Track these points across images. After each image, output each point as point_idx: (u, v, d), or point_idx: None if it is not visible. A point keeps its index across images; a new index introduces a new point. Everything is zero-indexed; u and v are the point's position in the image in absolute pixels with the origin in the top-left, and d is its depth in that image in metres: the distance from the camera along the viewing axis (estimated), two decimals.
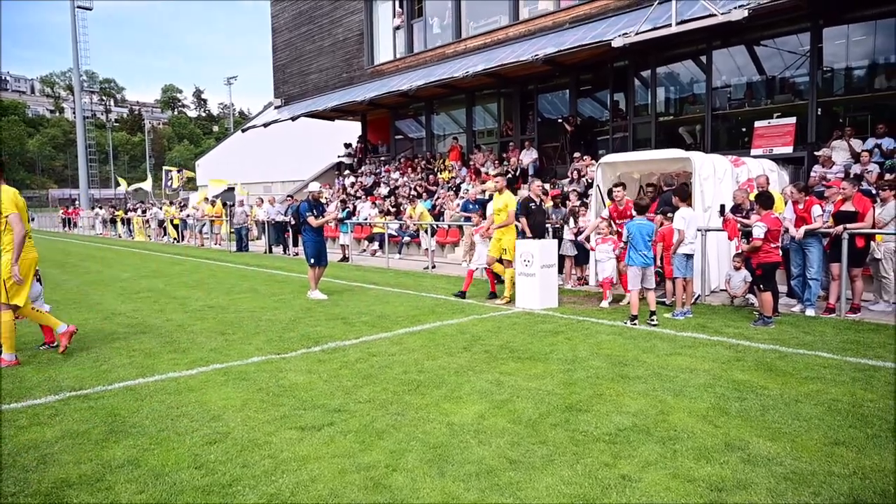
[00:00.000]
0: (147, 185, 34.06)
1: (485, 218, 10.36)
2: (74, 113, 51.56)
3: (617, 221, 8.89)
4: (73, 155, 64.58)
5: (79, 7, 45.87)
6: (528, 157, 16.57)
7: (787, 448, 3.67)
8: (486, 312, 8.26)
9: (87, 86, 75.09)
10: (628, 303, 8.44)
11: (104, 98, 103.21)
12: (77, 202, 48.51)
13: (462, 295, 9.39)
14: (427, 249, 14.33)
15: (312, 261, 9.85)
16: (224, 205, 23.44)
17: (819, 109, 12.36)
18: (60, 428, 4.21)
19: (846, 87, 12.53)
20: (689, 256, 7.69)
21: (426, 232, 14.58)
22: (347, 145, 25.22)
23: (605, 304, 8.62)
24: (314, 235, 9.93)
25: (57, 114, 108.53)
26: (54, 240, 30.99)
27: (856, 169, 10.38)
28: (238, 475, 3.46)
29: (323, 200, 11.17)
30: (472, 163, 18.22)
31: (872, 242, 7.92)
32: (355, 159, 24.71)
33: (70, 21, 44.64)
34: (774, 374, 5.14)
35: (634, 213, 7.55)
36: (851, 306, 7.62)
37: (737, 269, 8.31)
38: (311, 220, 9.77)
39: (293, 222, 9.94)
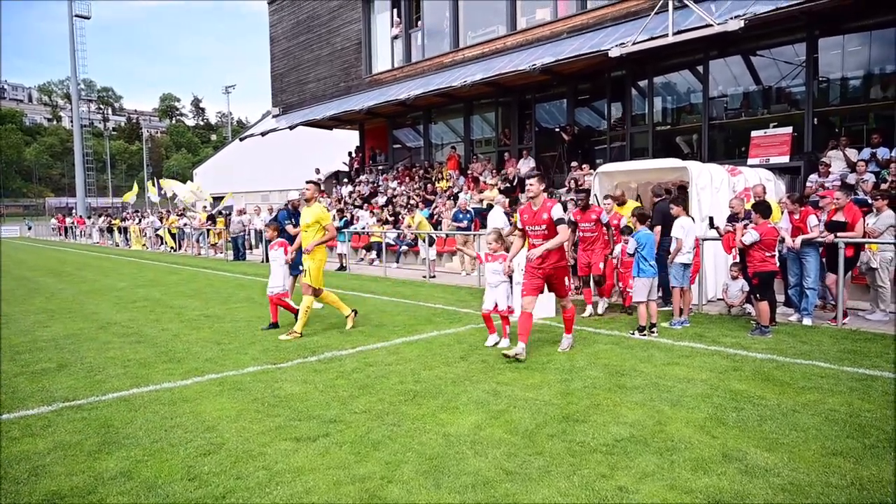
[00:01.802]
0: (132, 195, 33.82)
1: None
2: (72, 121, 51.59)
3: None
4: (70, 163, 64.59)
5: (76, 16, 46.03)
6: (526, 166, 16.59)
7: (785, 459, 3.65)
8: (482, 323, 8.22)
9: (85, 94, 75.35)
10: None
11: (102, 107, 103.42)
12: (74, 211, 48.47)
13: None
14: (425, 259, 14.32)
15: (291, 270, 9.47)
16: (220, 214, 23.46)
17: (815, 119, 12.42)
18: (53, 439, 4.18)
19: (842, 97, 12.60)
20: (687, 266, 7.69)
21: (424, 241, 14.57)
22: (350, 155, 25.26)
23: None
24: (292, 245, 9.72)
25: (54, 122, 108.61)
26: (50, 249, 30.91)
27: (852, 178, 10.42)
28: (232, 487, 3.42)
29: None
30: (469, 172, 18.25)
31: (865, 252, 7.95)
32: (353, 168, 24.73)
33: (68, 30, 44.77)
34: (772, 384, 5.12)
35: (639, 223, 7.52)
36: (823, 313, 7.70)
37: (734, 278, 8.31)
38: (290, 229, 9.49)
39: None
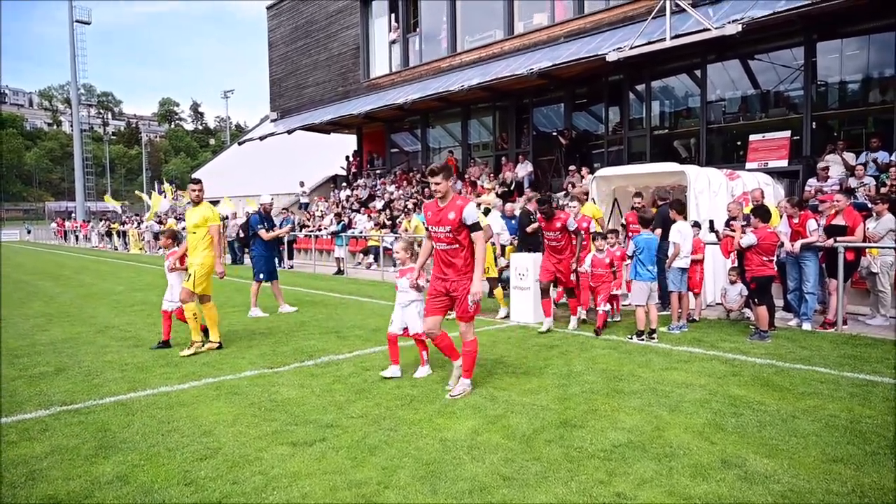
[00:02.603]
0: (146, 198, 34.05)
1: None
2: (72, 126, 51.62)
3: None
4: (70, 168, 64.55)
5: (77, 21, 46.08)
6: (524, 170, 16.61)
7: (785, 465, 3.63)
8: (481, 326, 8.21)
9: (85, 99, 75.35)
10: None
11: (102, 111, 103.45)
12: (73, 214, 48.45)
13: None
14: None
15: (262, 276, 9.47)
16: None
17: (814, 123, 12.44)
18: (50, 443, 4.15)
19: (840, 101, 12.63)
20: (684, 270, 7.68)
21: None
22: (348, 159, 25.28)
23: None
24: (265, 251, 9.61)
25: (55, 127, 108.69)
26: (49, 252, 30.87)
27: (852, 182, 10.42)
28: (228, 492, 3.40)
29: (274, 214, 10.62)
30: (467, 176, 18.25)
31: (866, 256, 7.94)
32: (351, 172, 24.75)
33: (68, 35, 44.83)
34: (771, 390, 5.10)
35: (640, 226, 7.52)
36: (825, 320, 7.71)
37: (732, 282, 8.30)
38: (263, 234, 9.49)
39: (242, 235, 9.54)
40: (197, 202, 7.10)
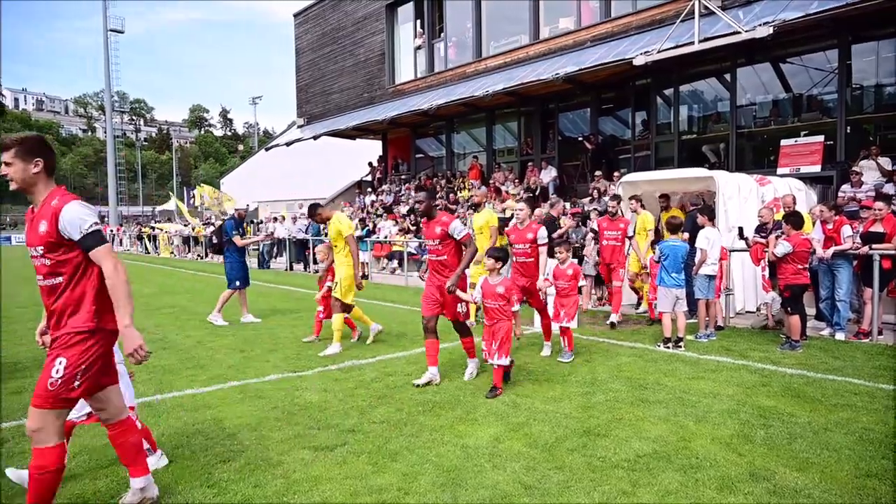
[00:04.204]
0: (171, 205, 34.80)
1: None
2: (105, 132, 53.02)
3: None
4: (103, 173, 66.20)
5: (111, 31, 47.38)
6: (548, 175, 16.51)
7: (816, 479, 3.52)
8: None
9: (118, 106, 77.35)
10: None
11: (134, 118, 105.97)
12: (106, 219, 49.65)
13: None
14: None
15: (238, 283, 9.39)
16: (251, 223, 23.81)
17: (848, 127, 12.10)
18: (79, 443, 4.23)
19: (876, 105, 12.27)
20: (712, 277, 7.53)
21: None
22: (371, 165, 25.46)
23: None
24: (238, 256, 9.53)
25: (89, 133, 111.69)
26: None
27: (889, 188, 10.10)
28: (249, 495, 3.43)
29: (247, 221, 10.41)
30: (492, 181, 18.22)
31: None
32: (376, 177, 24.91)
33: (102, 44, 46.10)
34: (802, 401, 4.96)
35: (668, 232, 7.37)
36: (859, 330, 7.48)
37: (766, 291, 8.09)
38: (237, 240, 9.44)
39: (215, 240, 9.43)
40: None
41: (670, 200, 9.49)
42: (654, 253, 8.01)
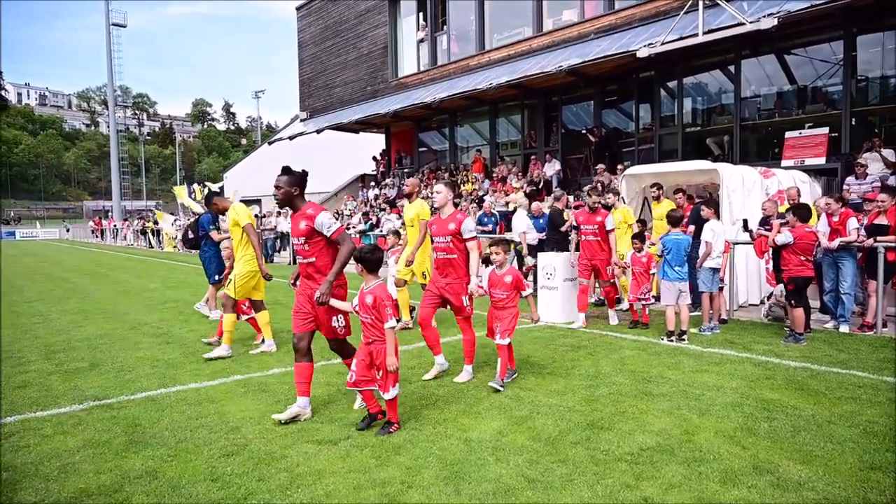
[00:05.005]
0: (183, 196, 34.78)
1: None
2: (109, 127, 53.08)
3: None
4: (107, 167, 66.35)
5: (113, 25, 47.35)
6: (552, 168, 16.47)
7: (820, 472, 3.51)
8: None
9: (121, 100, 77.46)
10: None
11: (137, 112, 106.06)
12: (110, 213, 49.80)
13: None
14: None
15: (217, 277, 9.15)
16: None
17: (853, 119, 12.02)
18: (83, 437, 4.26)
19: (882, 97, 12.19)
20: (716, 270, 7.50)
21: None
22: (375, 159, 25.41)
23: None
24: (217, 250, 9.32)
25: (92, 128, 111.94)
26: (86, 250, 31.79)
27: (893, 180, 10.04)
28: (253, 489, 3.44)
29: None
30: (495, 174, 18.18)
31: None
32: (379, 171, 24.88)
33: (105, 38, 46.08)
34: (806, 394, 4.95)
35: (669, 225, 7.32)
36: (864, 322, 7.45)
37: (771, 285, 8.05)
38: (214, 235, 9.19)
39: (191, 235, 9.22)
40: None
41: (662, 190, 9.42)
42: (651, 248, 8.00)
